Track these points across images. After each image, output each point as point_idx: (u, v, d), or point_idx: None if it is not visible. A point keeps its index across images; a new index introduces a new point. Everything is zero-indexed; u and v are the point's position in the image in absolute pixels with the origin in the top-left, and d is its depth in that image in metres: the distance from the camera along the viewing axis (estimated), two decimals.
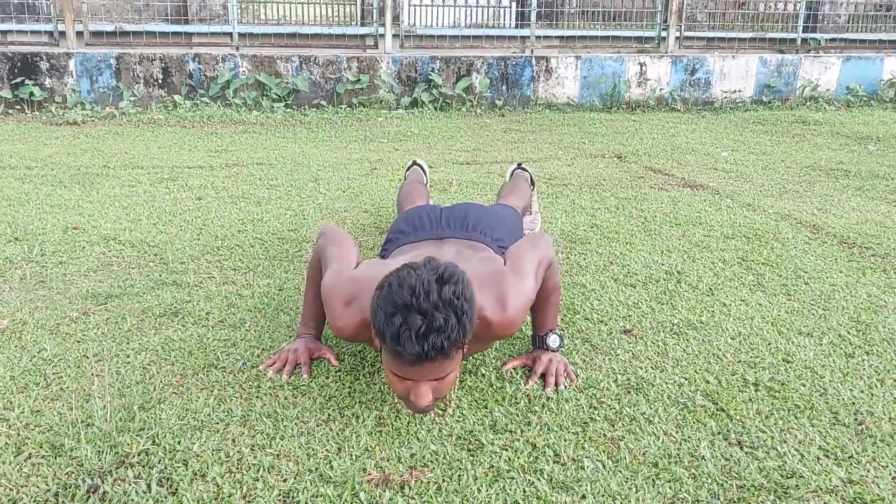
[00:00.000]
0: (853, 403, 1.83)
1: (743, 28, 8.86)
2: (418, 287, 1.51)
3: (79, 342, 2.08)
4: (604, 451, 1.62)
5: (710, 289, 2.57)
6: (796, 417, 1.77)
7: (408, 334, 1.49)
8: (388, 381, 1.64)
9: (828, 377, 1.96)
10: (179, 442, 1.60)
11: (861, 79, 7.95)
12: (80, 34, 6.64)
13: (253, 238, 3.04)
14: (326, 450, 1.60)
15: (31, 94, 6.26)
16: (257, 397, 1.80)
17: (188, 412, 1.72)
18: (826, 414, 1.79)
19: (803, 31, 8.34)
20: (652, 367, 2.00)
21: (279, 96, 6.71)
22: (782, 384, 1.92)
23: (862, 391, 1.89)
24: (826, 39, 8.51)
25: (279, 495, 1.46)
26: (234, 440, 1.62)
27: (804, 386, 1.91)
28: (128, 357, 1.99)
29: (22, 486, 1.46)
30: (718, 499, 1.49)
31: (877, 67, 8.05)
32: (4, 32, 6.87)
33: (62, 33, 6.61)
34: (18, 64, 6.31)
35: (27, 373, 1.89)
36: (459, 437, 1.66)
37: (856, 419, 1.77)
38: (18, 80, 6.30)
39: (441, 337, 1.50)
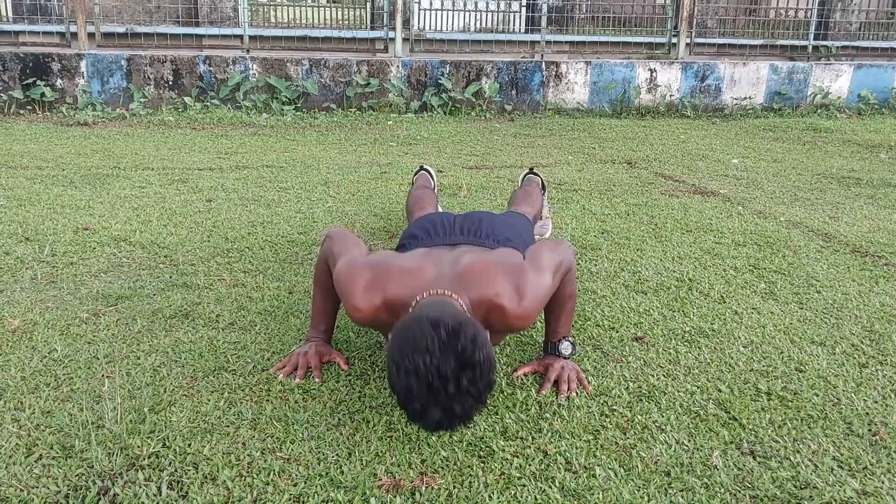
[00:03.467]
0: (867, 414, 1.82)
1: (753, 35, 8.84)
2: (436, 380, 1.45)
3: (89, 343, 2.08)
4: (616, 460, 1.61)
5: (722, 296, 2.55)
6: (809, 427, 1.76)
7: (428, 422, 1.51)
8: None
9: (841, 387, 1.95)
10: (190, 445, 1.60)
11: (872, 87, 7.93)
12: (91, 35, 6.67)
13: (263, 240, 3.04)
14: (337, 454, 1.59)
15: (43, 94, 6.30)
16: (267, 401, 1.79)
17: (198, 415, 1.72)
18: (840, 424, 1.77)
19: (814, 39, 8.33)
20: (664, 375, 1.99)
21: (289, 99, 6.72)
22: (795, 394, 1.91)
23: (876, 402, 1.88)
24: (837, 47, 8.49)
25: (289, 499, 1.45)
26: (244, 443, 1.62)
27: (817, 396, 1.90)
28: (138, 359, 1.99)
29: (32, 488, 1.45)
30: None
31: (888, 75, 8.03)
32: (17, 33, 6.90)
33: (74, 34, 6.64)
34: (30, 64, 6.34)
35: (38, 373, 1.89)
36: (470, 444, 1.65)
37: (870, 430, 1.75)
38: (30, 80, 6.33)
39: (461, 423, 1.53)
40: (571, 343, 1.97)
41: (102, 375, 1.89)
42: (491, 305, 1.74)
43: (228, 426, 1.68)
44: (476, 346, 1.49)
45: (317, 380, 1.88)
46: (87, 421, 1.67)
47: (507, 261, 1.85)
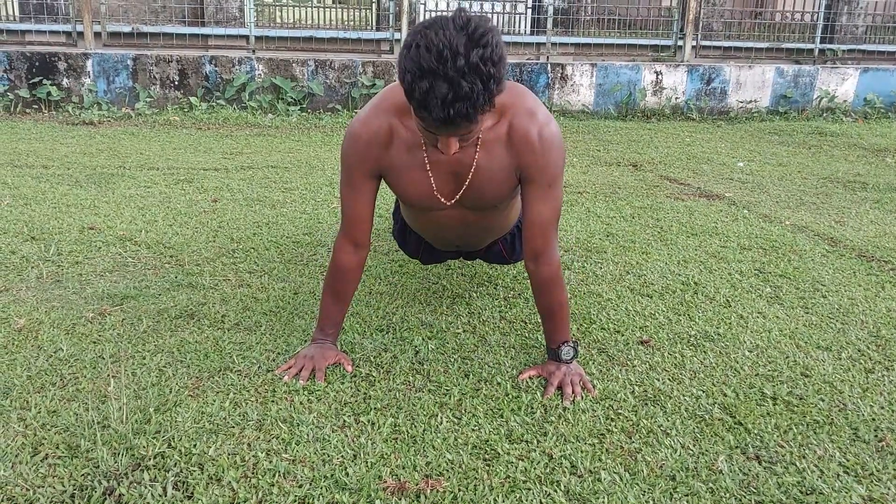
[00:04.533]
0: (873, 419, 1.81)
1: (759, 38, 8.83)
2: (446, 51, 1.47)
3: (95, 343, 2.08)
4: (621, 464, 1.60)
5: (727, 300, 2.55)
6: (815, 433, 1.75)
7: (434, 101, 1.49)
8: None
9: (847, 392, 1.94)
10: (195, 445, 1.60)
11: (879, 90, 7.90)
12: (97, 35, 6.69)
13: (268, 241, 3.04)
14: (342, 456, 1.59)
15: (49, 93, 6.31)
16: (273, 402, 1.79)
17: (204, 415, 1.72)
18: (846, 430, 1.77)
19: (820, 42, 8.31)
20: (669, 379, 1.98)
21: (294, 100, 6.72)
22: (801, 399, 1.90)
23: (882, 407, 1.87)
24: (843, 50, 8.47)
25: (294, 501, 1.45)
26: (249, 444, 1.62)
27: (823, 401, 1.89)
28: (143, 359, 1.99)
29: (38, 487, 1.46)
30: None
31: (895, 79, 8.00)
32: (23, 32, 6.92)
33: (80, 34, 6.66)
34: (37, 64, 6.36)
35: (44, 373, 1.90)
36: (475, 447, 1.65)
37: (876, 436, 1.75)
38: (36, 79, 6.34)
39: (466, 104, 1.50)
40: (572, 347, 1.96)
41: (108, 375, 1.89)
42: (521, 112, 1.81)
43: (234, 427, 1.68)
44: (488, 31, 1.51)
45: (320, 381, 1.88)
46: (93, 421, 1.67)
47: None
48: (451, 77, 1.46)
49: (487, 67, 1.48)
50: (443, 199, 1.92)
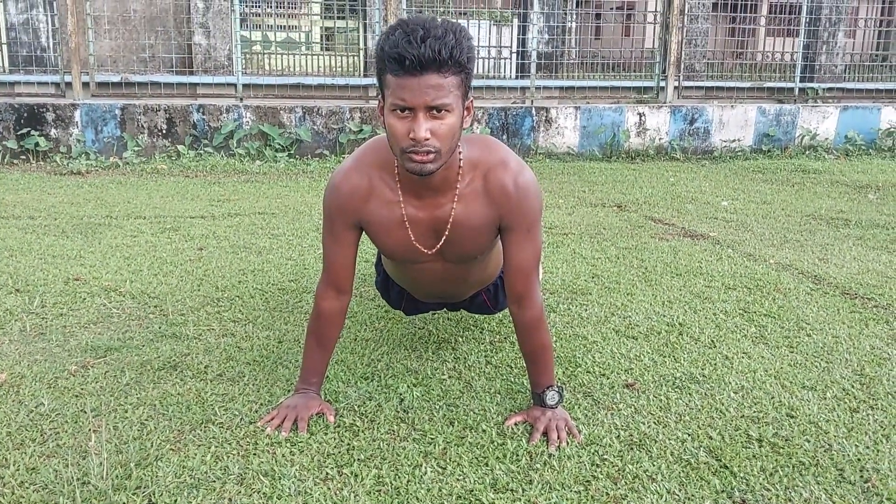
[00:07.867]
0: (859, 460, 1.81)
1: (741, 78, 8.98)
2: (420, 24, 1.61)
3: (77, 396, 2.06)
4: None
5: (712, 341, 2.55)
6: (801, 474, 1.74)
7: (407, 39, 1.58)
8: (390, 124, 1.68)
9: (832, 432, 1.94)
10: (176, 501, 1.58)
11: (859, 128, 8.02)
12: (86, 85, 6.74)
13: (253, 289, 3.04)
14: None
15: (37, 144, 6.33)
16: (254, 454, 1.78)
17: (185, 469, 1.70)
18: (831, 471, 1.76)
19: (801, 81, 8.45)
20: (654, 423, 1.98)
21: (282, 146, 6.77)
22: (786, 440, 1.90)
23: (867, 447, 1.87)
24: (824, 89, 8.61)
25: None
26: (230, 499, 1.60)
27: (808, 442, 1.89)
28: (126, 412, 1.98)
29: None
30: None
31: (874, 116, 8.13)
32: (12, 84, 6.97)
33: (69, 84, 6.71)
34: (25, 115, 6.39)
35: (24, 428, 1.88)
36: (459, 497, 1.63)
37: (862, 476, 1.74)
38: (24, 130, 6.37)
39: (439, 42, 1.58)
40: (557, 392, 1.96)
41: (89, 430, 1.87)
42: (494, 164, 1.85)
43: (215, 481, 1.66)
44: (457, 23, 1.66)
45: (302, 433, 1.86)
46: (73, 477, 1.65)
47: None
48: (426, 24, 1.60)
49: (459, 28, 1.62)
50: (422, 253, 1.94)
